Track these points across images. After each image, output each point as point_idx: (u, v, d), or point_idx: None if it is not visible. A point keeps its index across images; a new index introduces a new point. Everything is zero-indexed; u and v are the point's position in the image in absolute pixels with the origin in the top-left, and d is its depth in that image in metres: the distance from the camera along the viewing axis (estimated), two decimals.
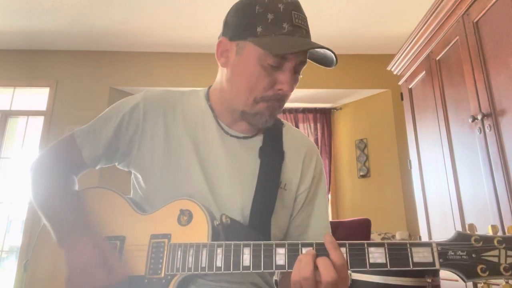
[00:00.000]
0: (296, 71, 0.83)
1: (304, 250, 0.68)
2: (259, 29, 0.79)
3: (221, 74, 0.90)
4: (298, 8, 0.81)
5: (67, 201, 0.86)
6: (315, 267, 0.64)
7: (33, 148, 3.83)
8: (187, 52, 3.90)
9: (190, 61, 3.88)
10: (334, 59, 0.83)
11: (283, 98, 0.84)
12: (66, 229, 0.81)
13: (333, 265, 0.64)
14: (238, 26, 0.82)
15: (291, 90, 0.82)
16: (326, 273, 0.63)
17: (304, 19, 0.82)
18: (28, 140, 3.88)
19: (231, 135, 0.90)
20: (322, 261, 0.64)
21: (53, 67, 3.84)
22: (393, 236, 3.25)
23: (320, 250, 0.67)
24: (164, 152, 0.88)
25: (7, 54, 3.85)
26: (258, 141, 0.91)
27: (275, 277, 0.97)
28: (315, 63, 0.88)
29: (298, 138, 0.98)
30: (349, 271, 0.66)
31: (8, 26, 3.49)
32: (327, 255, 0.66)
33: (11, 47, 3.84)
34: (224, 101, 0.89)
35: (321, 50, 0.83)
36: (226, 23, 0.87)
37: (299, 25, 0.80)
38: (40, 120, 3.76)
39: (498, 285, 0.64)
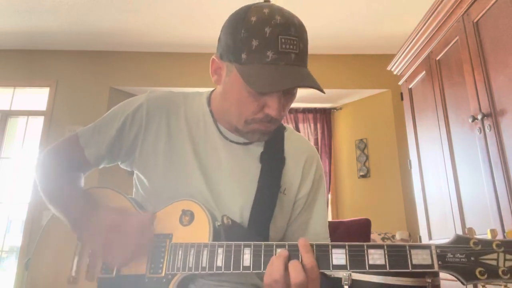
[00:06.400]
0: (287, 93, 0.79)
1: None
2: (243, 56, 0.74)
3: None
4: (286, 30, 0.73)
5: (76, 188, 0.90)
6: (286, 270, 0.67)
7: (33, 148, 3.83)
8: (187, 52, 3.90)
9: (190, 61, 3.87)
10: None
11: (275, 120, 0.81)
12: (79, 210, 0.84)
13: (304, 267, 0.67)
14: (226, 48, 0.78)
15: (280, 115, 0.78)
16: (295, 275, 0.66)
17: (293, 42, 0.74)
18: (28, 140, 3.88)
19: (231, 141, 0.90)
20: (292, 264, 0.67)
21: (53, 67, 3.84)
22: (393, 236, 3.25)
23: (295, 251, 0.69)
24: (166, 153, 0.88)
25: (7, 54, 3.85)
26: (259, 146, 0.91)
27: None
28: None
29: (300, 144, 0.98)
30: (349, 272, 0.67)
31: (8, 26, 3.49)
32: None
33: (11, 47, 3.84)
34: (222, 111, 0.89)
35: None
36: (219, 40, 0.83)
37: (286, 51, 0.73)
38: (40, 120, 3.77)
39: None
